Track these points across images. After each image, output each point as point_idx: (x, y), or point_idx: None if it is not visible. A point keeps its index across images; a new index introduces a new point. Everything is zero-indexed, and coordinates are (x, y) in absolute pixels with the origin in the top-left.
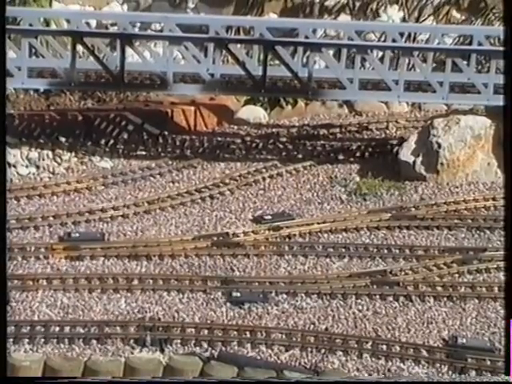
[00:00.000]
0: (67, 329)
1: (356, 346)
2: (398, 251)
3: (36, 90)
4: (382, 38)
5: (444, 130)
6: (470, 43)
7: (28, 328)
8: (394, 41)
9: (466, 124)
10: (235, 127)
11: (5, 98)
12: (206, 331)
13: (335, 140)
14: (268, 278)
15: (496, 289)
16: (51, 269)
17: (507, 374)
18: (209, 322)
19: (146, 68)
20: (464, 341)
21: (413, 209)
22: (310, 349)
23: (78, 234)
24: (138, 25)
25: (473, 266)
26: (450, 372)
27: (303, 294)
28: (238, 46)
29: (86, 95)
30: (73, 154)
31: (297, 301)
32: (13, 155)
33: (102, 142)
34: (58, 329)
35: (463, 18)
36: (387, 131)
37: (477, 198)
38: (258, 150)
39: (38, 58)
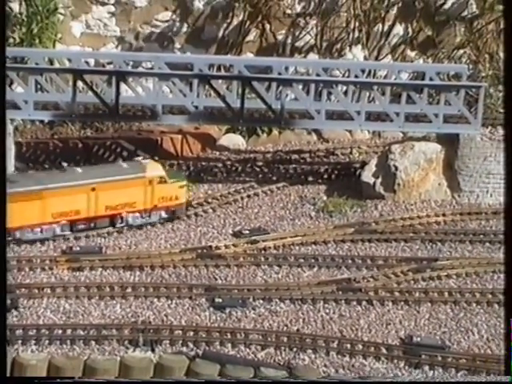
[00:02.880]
0: (69, 331)
1: (324, 345)
2: (360, 261)
3: (41, 121)
4: (346, 74)
5: (400, 155)
6: (423, 78)
7: (34, 331)
8: (356, 76)
9: (420, 149)
10: (217, 153)
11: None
12: (191, 333)
13: (305, 164)
14: (246, 286)
15: (446, 294)
16: (55, 278)
17: (507, 373)
18: (194, 324)
19: (138, 101)
20: (418, 339)
21: (373, 224)
22: (283, 348)
23: (78, 248)
24: (131, 63)
25: (426, 274)
26: (407, 367)
27: (277, 300)
28: (219, 81)
29: (85, 125)
30: None
31: (272, 305)
32: None
33: None
34: (60, 331)
35: (416, 56)
36: (351, 156)
37: (429, 214)
38: (237, 172)
39: (43, 92)
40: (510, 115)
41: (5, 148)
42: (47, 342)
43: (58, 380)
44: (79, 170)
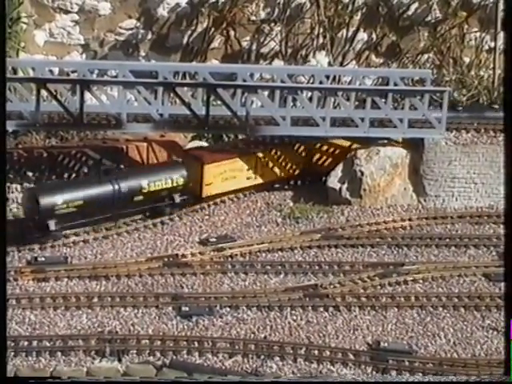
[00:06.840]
0: (35, 343)
1: (291, 351)
2: (327, 267)
3: None
4: (311, 80)
5: (366, 160)
6: (387, 84)
7: None
8: (321, 82)
9: (385, 154)
10: None
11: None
12: (158, 342)
13: None
14: (213, 294)
15: (413, 298)
16: (20, 290)
17: (507, 374)
18: (161, 333)
19: (103, 109)
20: (385, 344)
21: (340, 229)
22: (250, 355)
23: (43, 258)
24: (96, 71)
25: (392, 279)
26: (374, 372)
27: (244, 307)
28: (184, 88)
29: (49, 134)
30: None
31: (239, 313)
32: None
33: (65, 175)
34: (26, 343)
35: (381, 61)
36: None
37: (395, 219)
38: None
39: (7, 102)
40: (509, 118)
41: (5, 148)
42: (12, 354)
43: (59, 381)
44: None
